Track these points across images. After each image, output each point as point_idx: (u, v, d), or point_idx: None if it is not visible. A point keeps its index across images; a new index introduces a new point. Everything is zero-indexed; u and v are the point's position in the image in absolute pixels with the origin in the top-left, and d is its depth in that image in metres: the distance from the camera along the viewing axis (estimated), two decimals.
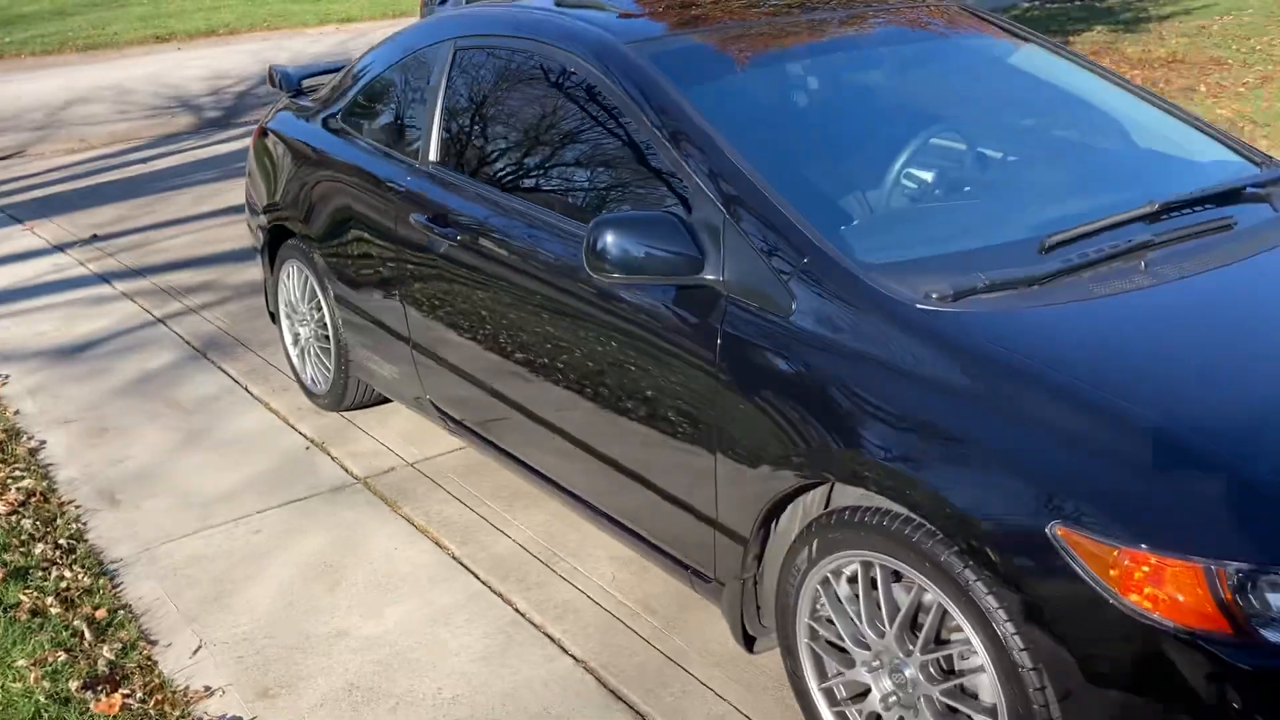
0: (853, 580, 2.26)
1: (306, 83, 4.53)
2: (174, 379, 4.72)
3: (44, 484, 3.88)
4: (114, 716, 2.71)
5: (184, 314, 5.47)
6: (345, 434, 4.14)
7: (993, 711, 2.04)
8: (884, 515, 2.13)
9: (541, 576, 3.21)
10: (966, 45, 3.22)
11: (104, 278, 6.08)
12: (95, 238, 6.79)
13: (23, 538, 3.50)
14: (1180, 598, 1.75)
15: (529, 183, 3.06)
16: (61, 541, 3.51)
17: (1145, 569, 1.77)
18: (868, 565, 2.21)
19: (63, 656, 2.92)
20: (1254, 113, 8.10)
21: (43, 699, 2.76)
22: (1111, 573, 1.79)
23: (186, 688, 2.83)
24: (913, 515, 2.07)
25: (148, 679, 2.86)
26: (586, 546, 3.33)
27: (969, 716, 2.10)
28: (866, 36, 3.12)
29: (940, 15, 3.31)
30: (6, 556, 3.38)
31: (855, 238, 2.40)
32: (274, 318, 4.55)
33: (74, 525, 3.62)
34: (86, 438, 4.24)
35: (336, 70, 4.50)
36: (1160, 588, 1.76)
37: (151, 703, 2.77)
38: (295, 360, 4.41)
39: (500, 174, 3.15)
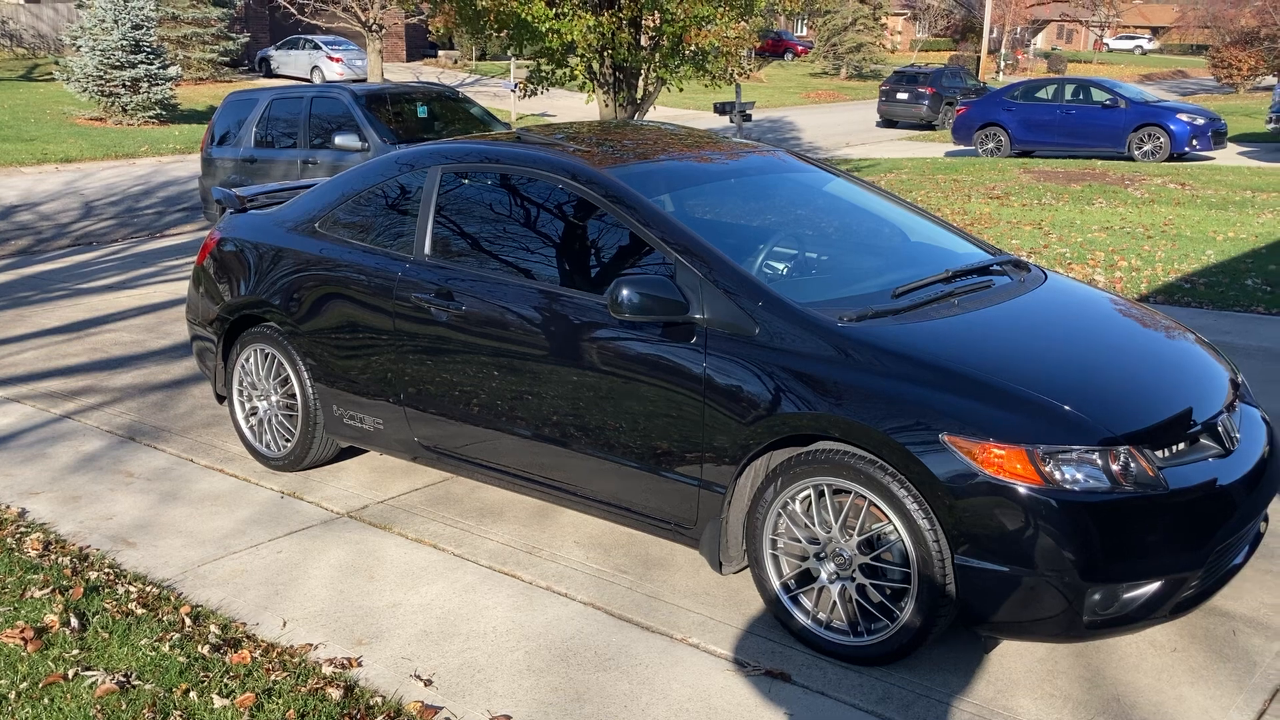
0: (804, 502, 3.54)
1: (250, 204, 5.46)
2: (118, 458, 5.37)
3: (51, 536, 4.49)
4: (248, 664, 3.52)
5: (86, 411, 6.05)
6: (309, 486, 5.00)
7: (904, 564, 3.35)
8: (831, 452, 3.43)
9: (531, 561, 4.26)
10: (806, 176, 4.75)
11: None
12: None
13: (69, 570, 4.15)
14: (1018, 467, 3.16)
15: (525, 264, 4.22)
16: (107, 570, 4.18)
17: (998, 453, 3.17)
18: (819, 489, 3.49)
19: (176, 636, 3.67)
20: None
21: (182, 659, 3.52)
22: (979, 458, 3.18)
23: (291, 645, 3.67)
24: (851, 448, 3.39)
25: (257, 643, 3.68)
26: (556, 541, 4.42)
27: (885, 571, 3.41)
28: (744, 165, 4.60)
29: (785, 156, 4.84)
30: (66, 583, 4.03)
31: (786, 290, 3.75)
32: (221, 399, 5.34)
33: (107, 560, 4.29)
34: (64, 504, 4.84)
35: (278, 191, 5.49)
36: (1005, 463, 3.16)
37: (273, 654, 3.59)
38: (249, 432, 5.22)
39: (499, 260, 4.29)
